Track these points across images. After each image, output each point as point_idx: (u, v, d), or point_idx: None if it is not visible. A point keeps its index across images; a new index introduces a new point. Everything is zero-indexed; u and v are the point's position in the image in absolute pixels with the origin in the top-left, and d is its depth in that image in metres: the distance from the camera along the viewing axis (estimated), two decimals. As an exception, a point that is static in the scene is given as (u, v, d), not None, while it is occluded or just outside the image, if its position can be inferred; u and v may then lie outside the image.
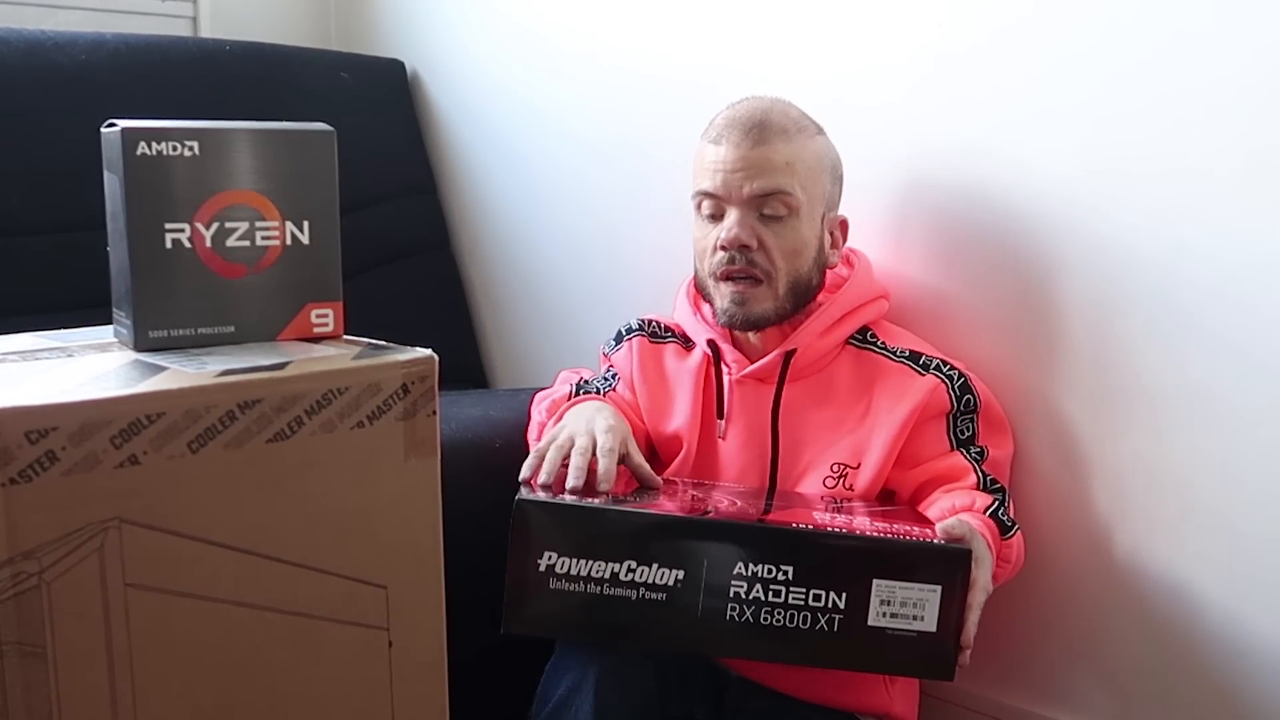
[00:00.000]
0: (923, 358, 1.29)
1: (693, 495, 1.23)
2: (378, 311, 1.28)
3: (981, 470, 1.25)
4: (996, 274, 1.35)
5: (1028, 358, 1.33)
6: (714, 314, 1.32)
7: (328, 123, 0.87)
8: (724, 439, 1.33)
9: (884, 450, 1.25)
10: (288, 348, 0.83)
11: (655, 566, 1.07)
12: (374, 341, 0.86)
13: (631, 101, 1.73)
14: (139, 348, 0.81)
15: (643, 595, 1.07)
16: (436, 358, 0.82)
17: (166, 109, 1.32)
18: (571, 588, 1.08)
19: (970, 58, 1.34)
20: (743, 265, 1.26)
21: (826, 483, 1.27)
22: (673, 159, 1.44)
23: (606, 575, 1.07)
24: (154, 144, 0.79)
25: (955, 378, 1.27)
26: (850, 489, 1.26)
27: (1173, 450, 1.23)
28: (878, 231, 1.43)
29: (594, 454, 1.19)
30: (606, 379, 1.42)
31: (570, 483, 1.15)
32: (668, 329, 1.42)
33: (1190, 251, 1.19)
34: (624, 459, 1.22)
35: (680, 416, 1.34)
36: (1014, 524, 1.22)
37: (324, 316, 0.88)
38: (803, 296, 1.29)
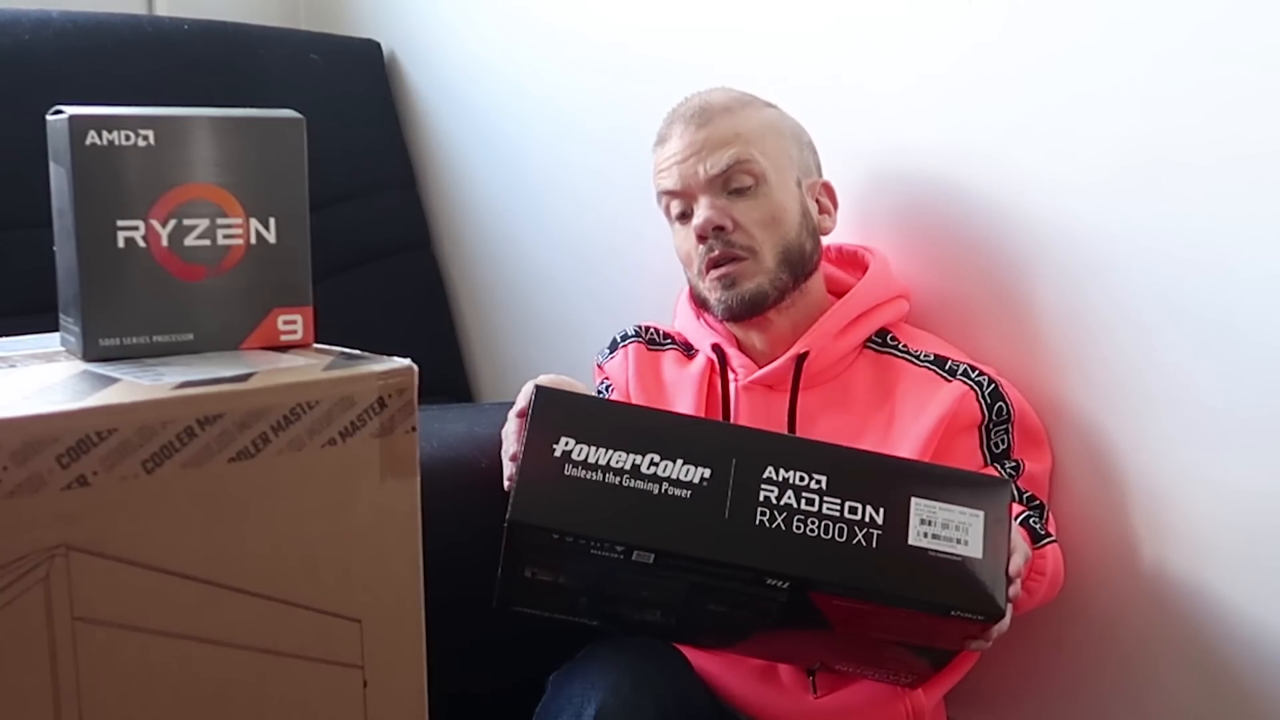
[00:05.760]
0: (949, 363, 1.29)
1: None
2: (352, 317, 1.28)
3: (1017, 486, 1.26)
4: (1029, 275, 1.35)
5: (1062, 367, 1.33)
6: (716, 318, 1.33)
7: (296, 109, 0.87)
8: (730, 452, 1.33)
9: (910, 464, 1.26)
10: (252, 357, 0.84)
11: (680, 462, 1.07)
12: (347, 350, 0.86)
13: (632, 86, 1.73)
14: (88, 357, 0.81)
15: (665, 490, 1.07)
16: (416, 368, 0.82)
17: (119, 94, 1.32)
18: (589, 476, 1.07)
19: (1000, 36, 1.34)
20: (722, 249, 1.28)
21: (846, 501, 1.27)
22: (676, 149, 1.44)
23: (627, 466, 1.07)
24: (105, 133, 0.79)
25: (985, 384, 1.28)
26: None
27: (1224, 470, 1.23)
28: (897, 227, 1.44)
29: None
30: (600, 392, 1.43)
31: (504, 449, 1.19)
32: (667, 335, 1.42)
33: (1248, 252, 1.19)
34: None
35: (682, 429, 1.35)
36: (1048, 535, 1.23)
37: (292, 323, 0.88)
38: (798, 265, 1.31)
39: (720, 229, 1.28)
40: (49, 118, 0.81)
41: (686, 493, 1.07)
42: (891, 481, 1.08)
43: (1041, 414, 1.33)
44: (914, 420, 1.27)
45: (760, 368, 1.33)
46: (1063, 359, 1.33)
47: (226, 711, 0.76)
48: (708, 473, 1.07)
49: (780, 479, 1.07)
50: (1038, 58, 1.31)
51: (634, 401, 1.38)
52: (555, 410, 1.08)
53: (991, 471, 1.27)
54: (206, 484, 0.73)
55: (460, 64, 1.98)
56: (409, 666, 0.84)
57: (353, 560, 0.80)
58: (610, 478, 1.06)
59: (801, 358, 1.30)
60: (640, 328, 1.43)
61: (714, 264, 1.29)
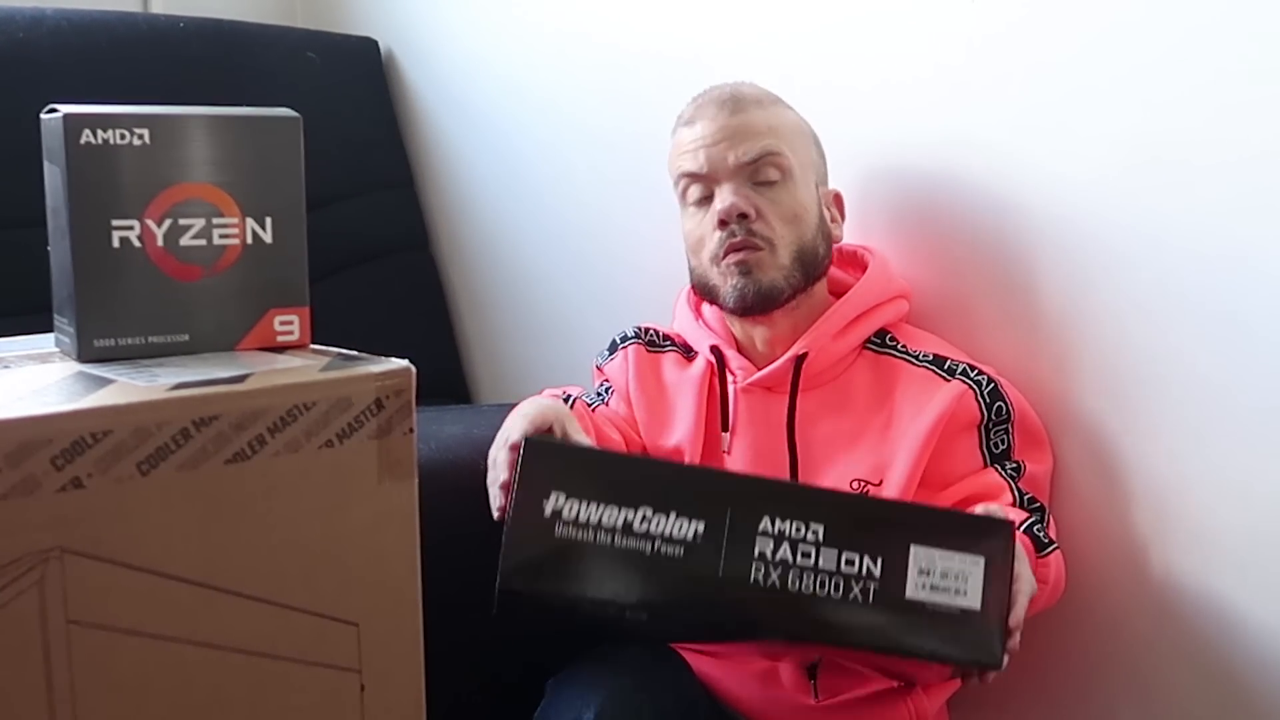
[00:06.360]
0: (948, 362, 1.29)
1: None
2: (349, 318, 1.28)
3: (1018, 488, 1.26)
4: (1030, 274, 1.35)
5: (1064, 367, 1.33)
6: (719, 314, 1.33)
7: (293, 108, 0.87)
8: (729, 453, 1.33)
9: (909, 465, 1.25)
10: (248, 358, 0.84)
11: (674, 516, 1.06)
12: (344, 351, 0.86)
13: (632, 84, 1.73)
14: (83, 358, 0.81)
15: (658, 549, 1.06)
16: (414, 369, 0.82)
17: (114, 93, 1.32)
18: (580, 536, 1.06)
19: (1004, 33, 1.34)
20: (744, 236, 1.28)
21: (846, 503, 1.27)
22: (676, 148, 1.44)
23: (619, 524, 1.06)
24: (100, 132, 0.79)
25: (984, 384, 1.28)
26: (872, 510, 1.27)
27: (1229, 471, 1.22)
28: (898, 227, 1.44)
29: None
30: (599, 394, 1.43)
31: (492, 477, 1.18)
32: (666, 337, 1.42)
33: (1255, 251, 1.18)
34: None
35: (681, 429, 1.35)
36: (1051, 542, 1.23)
37: (288, 323, 0.88)
38: (810, 267, 1.31)
39: (744, 216, 1.28)
40: (43, 116, 0.81)
41: (680, 550, 1.06)
42: (890, 529, 1.07)
43: (1044, 415, 1.33)
44: (912, 420, 1.27)
45: (759, 369, 1.33)
46: (1065, 359, 1.33)
47: (223, 716, 0.76)
48: (701, 526, 1.06)
49: (776, 531, 1.06)
50: (1041, 55, 1.31)
51: (634, 403, 1.38)
52: (544, 463, 1.08)
53: (992, 472, 1.27)
54: (202, 486, 0.73)
55: (458, 62, 1.98)
56: (407, 669, 0.84)
57: (350, 563, 0.80)
58: (602, 537, 1.06)
59: (800, 359, 1.30)
60: (640, 329, 1.43)
61: (733, 249, 1.29)
